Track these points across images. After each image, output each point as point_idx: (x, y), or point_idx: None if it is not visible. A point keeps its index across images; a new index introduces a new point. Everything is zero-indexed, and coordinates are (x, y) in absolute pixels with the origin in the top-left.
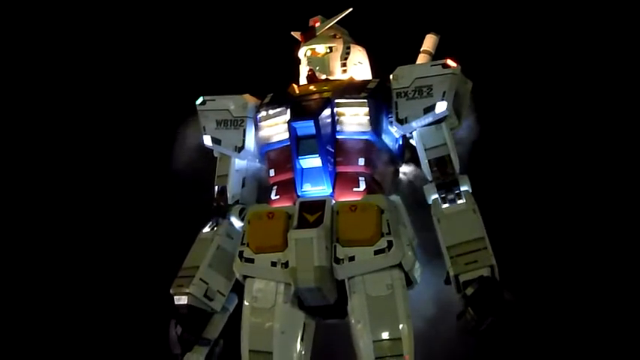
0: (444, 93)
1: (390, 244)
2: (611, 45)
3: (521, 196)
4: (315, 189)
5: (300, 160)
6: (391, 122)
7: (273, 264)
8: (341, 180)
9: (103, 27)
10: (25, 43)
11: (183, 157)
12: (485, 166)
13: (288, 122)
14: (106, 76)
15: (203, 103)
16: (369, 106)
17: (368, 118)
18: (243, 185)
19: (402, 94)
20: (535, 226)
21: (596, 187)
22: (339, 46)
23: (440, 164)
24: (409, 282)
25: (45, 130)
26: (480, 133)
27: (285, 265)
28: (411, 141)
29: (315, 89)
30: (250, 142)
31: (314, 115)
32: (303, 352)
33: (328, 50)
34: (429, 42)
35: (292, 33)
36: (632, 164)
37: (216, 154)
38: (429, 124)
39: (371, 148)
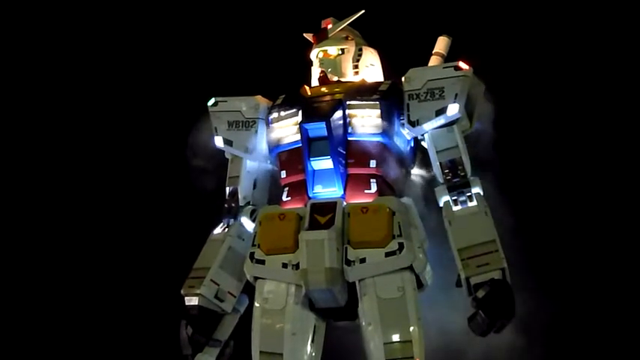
0: (456, 95)
1: (401, 246)
2: (631, 47)
3: (533, 198)
4: (327, 191)
5: (312, 162)
6: (403, 124)
7: (284, 265)
8: (352, 182)
9: (117, 29)
10: (37, 48)
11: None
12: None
13: (300, 124)
14: (119, 78)
15: (215, 104)
16: (380, 108)
17: (380, 120)
18: (254, 186)
19: (414, 96)
20: (546, 229)
21: (606, 188)
22: (351, 48)
23: (451, 166)
24: (420, 284)
25: (56, 132)
26: (493, 135)
27: (296, 266)
28: (423, 143)
29: (326, 91)
30: (262, 144)
31: (325, 116)
32: (313, 354)
33: (340, 52)
34: (442, 44)
35: (304, 35)
36: None
37: (227, 156)
38: (441, 127)
39: (382, 150)
